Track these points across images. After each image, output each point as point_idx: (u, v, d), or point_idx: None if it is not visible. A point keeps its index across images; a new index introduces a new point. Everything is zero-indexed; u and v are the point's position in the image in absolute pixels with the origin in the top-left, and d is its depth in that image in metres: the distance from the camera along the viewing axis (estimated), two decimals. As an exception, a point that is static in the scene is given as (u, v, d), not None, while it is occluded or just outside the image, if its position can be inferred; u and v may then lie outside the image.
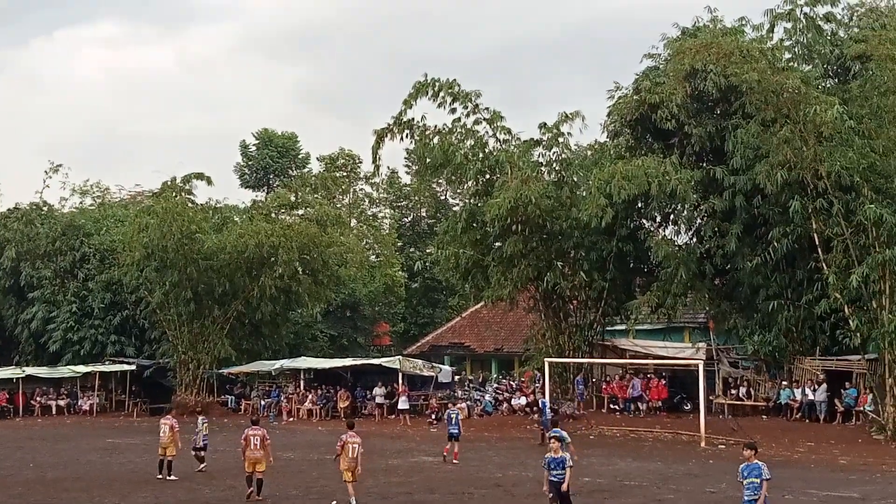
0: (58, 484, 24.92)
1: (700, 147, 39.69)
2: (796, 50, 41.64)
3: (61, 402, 54.67)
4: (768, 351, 39.46)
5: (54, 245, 59.46)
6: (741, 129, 37.30)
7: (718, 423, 37.28)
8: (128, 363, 56.70)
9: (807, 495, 23.02)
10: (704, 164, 40.00)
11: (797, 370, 39.41)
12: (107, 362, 56.93)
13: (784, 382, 39.70)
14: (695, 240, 41.75)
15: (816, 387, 38.27)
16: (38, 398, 54.53)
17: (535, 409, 42.32)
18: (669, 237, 42.48)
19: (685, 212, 40.60)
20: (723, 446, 33.93)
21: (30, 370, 55.61)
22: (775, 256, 37.25)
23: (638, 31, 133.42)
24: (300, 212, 58.36)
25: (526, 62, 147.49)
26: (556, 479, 18.57)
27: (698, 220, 40.87)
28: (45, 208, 63.46)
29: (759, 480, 16.63)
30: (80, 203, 70.49)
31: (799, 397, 38.75)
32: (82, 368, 55.74)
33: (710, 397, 40.23)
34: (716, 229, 39.21)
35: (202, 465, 28.71)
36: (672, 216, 42.38)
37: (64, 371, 56.12)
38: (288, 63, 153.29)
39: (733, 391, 41.67)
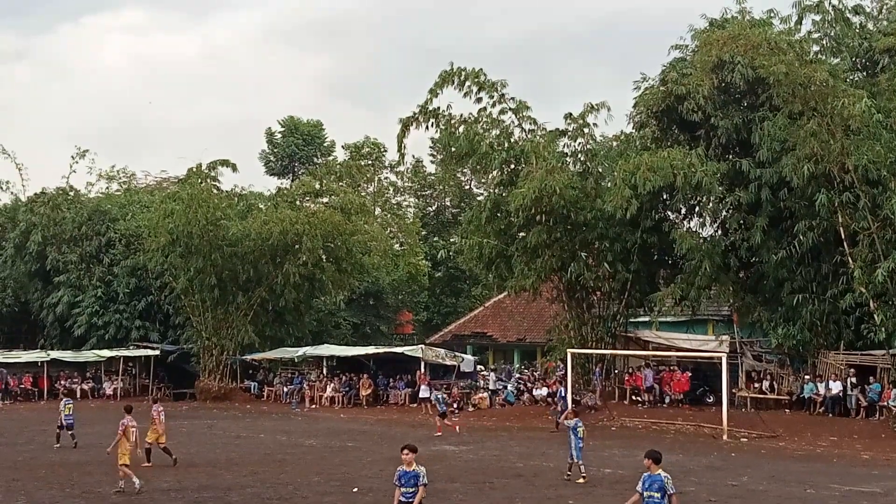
0: (81, 467, 25.11)
1: (726, 139, 39.46)
2: (824, 42, 41.44)
3: (85, 387, 55.02)
4: (792, 344, 39.25)
5: (80, 230, 59.79)
6: (768, 122, 37.13)
7: (741, 417, 37.16)
8: (152, 348, 57.07)
9: (829, 490, 22.92)
10: (731, 157, 39.77)
11: (821, 364, 39.21)
12: (131, 347, 57.29)
13: (807, 376, 39.51)
14: (720, 232, 41.56)
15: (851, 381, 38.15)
16: (62, 382, 54.87)
17: (555, 399, 42.35)
18: (694, 229, 42.28)
19: (710, 204, 40.36)
20: (745, 439, 33.85)
21: (55, 354, 56.03)
22: (801, 250, 37.00)
23: (662, 22, 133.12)
24: (325, 199, 58.52)
25: (549, 53, 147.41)
26: (404, 500, 14.97)
27: (723, 213, 40.61)
28: (72, 193, 63.74)
29: (659, 495, 14.46)
30: (107, 188, 71.03)
31: (822, 391, 38.58)
32: (107, 353, 56.15)
33: (733, 390, 40.09)
34: (741, 222, 39.04)
35: (59, 443, 31.13)
36: (697, 208, 42.16)
37: (88, 355, 56.53)
38: (312, 52, 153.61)
39: (756, 384, 41.52)
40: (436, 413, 38.12)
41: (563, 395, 38.74)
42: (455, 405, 44.67)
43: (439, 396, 39.65)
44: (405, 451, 15.19)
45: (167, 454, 26.85)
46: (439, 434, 35.26)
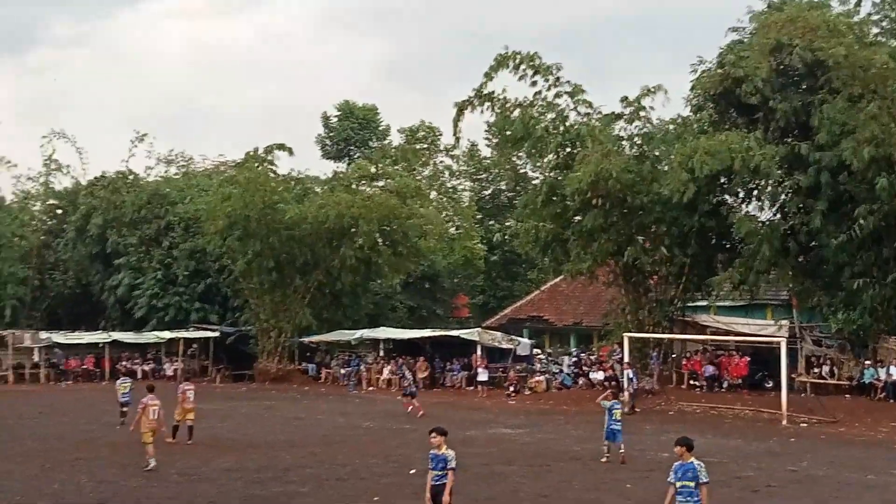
0: (141, 447, 25.47)
1: (785, 122, 39.04)
2: (884, 25, 40.89)
3: (146, 367, 55.76)
4: (852, 329, 38.88)
5: (140, 213, 60.61)
6: (827, 105, 36.70)
7: (800, 402, 36.88)
8: (211, 330, 57.68)
9: (890, 475, 22.72)
10: (789, 140, 39.38)
11: (882, 349, 38.81)
12: (191, 328, 57.98)
13: (868, 361, 39.12)
14: (779, 216, 41.15)
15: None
16: (123, 363, 55.71)
17: (612, 382, 42.26)
18: (753, 213, 41.92)
19: (769, 188, 39.99)
20: (804, 425, 33.61)
21: (116, 335, 57.03)
22: (861, 234, 36.55)
23: (720, 5, 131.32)
24: (380, 183, 58.64)
25: (605, 37, 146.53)
26: (435, 482, 14.78)
27: (782, 197, 40.26)
28: (131, 177, 64.58)
29: (693, 485, 13.52)
30: (165, 172, 71.70)
31: (883, 377, 38.19)
32: (167, 334, 56.93)
33: (793, 375, 39.78)
34: (800, 206, 38.66)
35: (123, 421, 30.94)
36: (756, 192, 41.76)
37: (149, 337, 57.43)
38: (367, 36, 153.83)
39: (816, 370, 41.22)
40: (403, 395, 38.71)
41: (631, 376, 38.81)
42: (511, 388, 44.82)
43: (408, 376, 40.65)
44: (432, 434, 15.16)
45: (188, 433, 27.54)
46: (410, 410, 36.14)
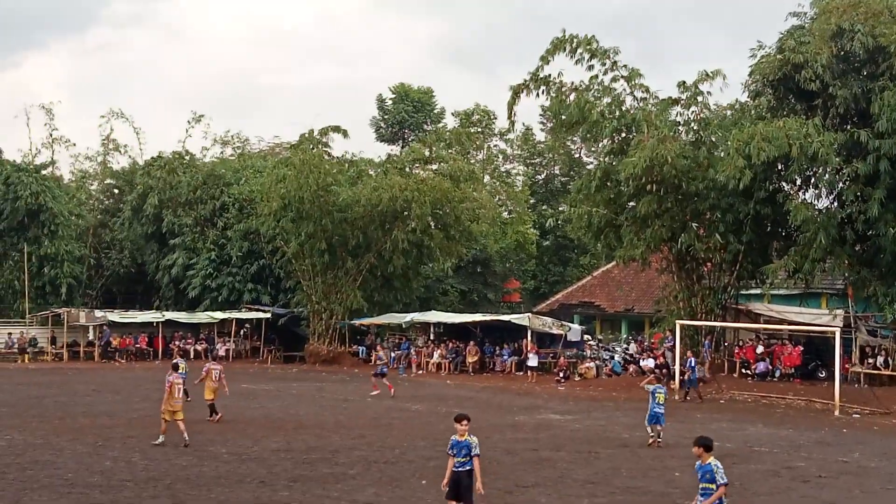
0: (192, 426, 25.68)
1: (844, 109, 38.44)
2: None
3: (199, 347, 56.23)
4: (908, 320, 38.32)
5: (195, 194, 61.02)
6: (888, 92, 36.12)
7: (854, 392, 36.45)
8: (263, 311, 58.04)
9: (944, 469, 22.41)
10: (848, 127, 38.74)
11: (938, 341, 38.22)
12: (243, 309, 58.38)
13: (924, 353, 38.56)
14: (836, 204, 40.54)
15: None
16: (176, 342, 56.27)
17: (663, 370, 41.98)
18: (809, 201, 41.34)
19: (826, 175, 39.34)
20: (857, 416, 33.21)
21: (169, 315, 57.54)
22: (919, 223, 36.02)
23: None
24: (434, 166, 58.56)
25: (662, 21, 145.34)
26: (458, 469, 14.78)
27: (840, 184, 39.65)
28: (187, 157, 65.05)
29: (714, 486, 13.18)
30: (221, 153, 72.23)
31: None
32: (219, 315, 57.38)
33: (846, 365, 39.31)
34: (858, 194, 38.02)
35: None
36: (813, 179, 41.15)
37: (202, 317, 57.89)
38: (422, 19, 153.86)
39: (870, 360, 40.71)
40: (374, 376, 38.80)
41: (692, 364, 38.64)
42: (561, 374, 44.70)
43: (381, 356, 42.05)
44: (463, 422, 14.96)
45: (209, 410, 28.32)
46: (376, 392, 37.02)
